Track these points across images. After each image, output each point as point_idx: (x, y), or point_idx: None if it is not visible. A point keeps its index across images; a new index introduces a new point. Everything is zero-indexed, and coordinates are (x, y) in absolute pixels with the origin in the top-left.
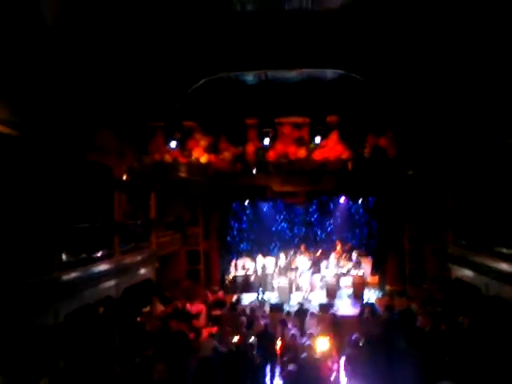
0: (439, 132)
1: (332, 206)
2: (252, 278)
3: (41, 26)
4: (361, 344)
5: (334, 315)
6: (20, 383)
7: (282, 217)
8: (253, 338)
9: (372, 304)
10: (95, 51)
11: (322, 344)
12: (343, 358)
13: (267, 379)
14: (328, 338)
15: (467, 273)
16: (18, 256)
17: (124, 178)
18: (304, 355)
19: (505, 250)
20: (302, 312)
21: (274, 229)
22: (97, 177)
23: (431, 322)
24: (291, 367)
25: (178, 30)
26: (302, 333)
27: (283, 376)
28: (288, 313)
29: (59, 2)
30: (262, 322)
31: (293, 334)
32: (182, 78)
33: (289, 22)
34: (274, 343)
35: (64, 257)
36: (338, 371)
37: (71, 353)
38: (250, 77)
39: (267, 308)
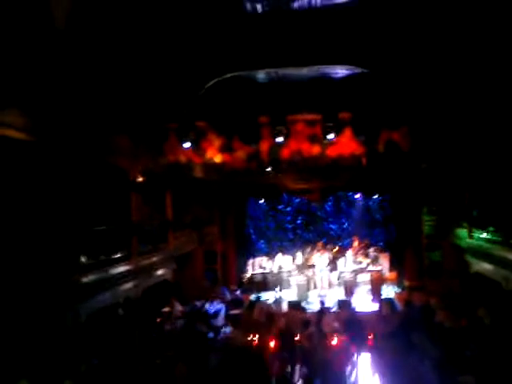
0: (452, 125)
1: (348, 202)
2: (269, 277)
3: (55, 29)
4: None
5: (353, 312)
6: None
7: (297, 214)
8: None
9: (391, 299)
10: (105, 53)
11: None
12: (363, 354)
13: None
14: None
15: (486, 266)
16: (38, 260)
17: (139, 179)
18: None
19: None
20: (322, 311)
21: (290, 227)
22: (112, 179)
23: (451, 316)
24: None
25: (188, 32)
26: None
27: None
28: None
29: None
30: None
31: (311, 334)
32: (193, 79)
33: (298, 19)
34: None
35: (83, 259)
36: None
37: (92, 354)
38: (261, 75)
39: (285, 306)
